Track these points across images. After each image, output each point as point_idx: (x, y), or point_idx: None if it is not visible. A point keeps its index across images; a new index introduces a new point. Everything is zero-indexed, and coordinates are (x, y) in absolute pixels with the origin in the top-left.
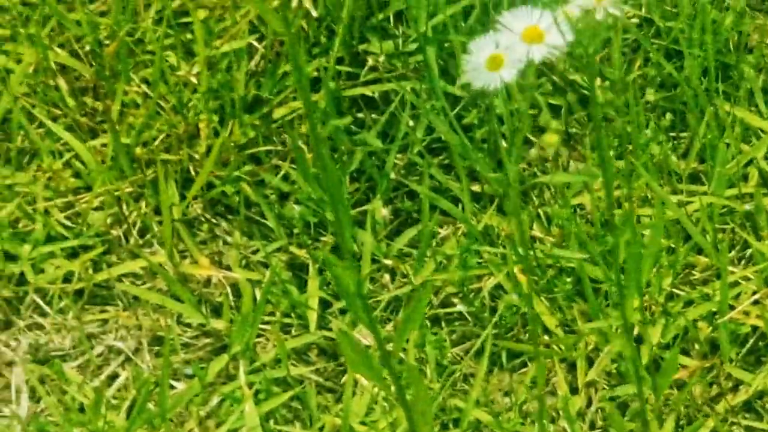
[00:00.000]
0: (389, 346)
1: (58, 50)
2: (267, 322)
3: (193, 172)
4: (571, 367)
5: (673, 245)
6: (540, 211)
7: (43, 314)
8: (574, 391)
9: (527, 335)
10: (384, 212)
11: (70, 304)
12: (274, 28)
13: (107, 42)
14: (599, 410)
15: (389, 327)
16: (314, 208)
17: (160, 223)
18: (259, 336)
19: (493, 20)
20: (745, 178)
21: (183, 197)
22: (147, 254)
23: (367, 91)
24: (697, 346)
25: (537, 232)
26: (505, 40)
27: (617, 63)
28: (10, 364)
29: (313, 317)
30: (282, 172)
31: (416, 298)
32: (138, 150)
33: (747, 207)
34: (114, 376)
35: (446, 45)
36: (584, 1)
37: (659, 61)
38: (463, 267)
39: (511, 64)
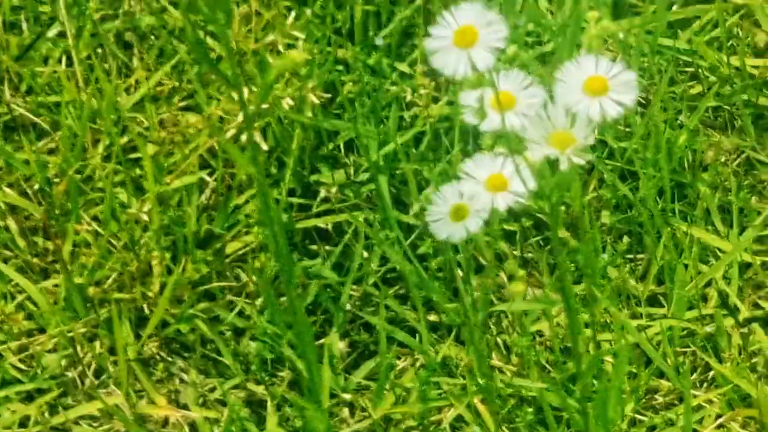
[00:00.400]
0: None
1: (7, 190)
2: None
3: (147, 311)
4: None
5: (634, 370)
6: (499, 339)
7: None
8: None
9: None
10: (341, 345)
11: None
12: (243, 168)
13: (56, 180)
14: None
15: None
16: (270, 343)
17: (115, 363)
18: None
19: (456, 167)
20: (705, 299)
21: (138, 336)
22: (103, 395)
23: (320, 222)
24: None
25: (497, 361)
26: (468, 189)
27: (576, 192)
28: None
29: None
30: (237, 308)
31: None
32: (91, 290)
33: (708, 329)
34: None
35: (398, 173)
36: (548, 150)
37: (614, 183)
38: (422, 399)
39: (476, 214)
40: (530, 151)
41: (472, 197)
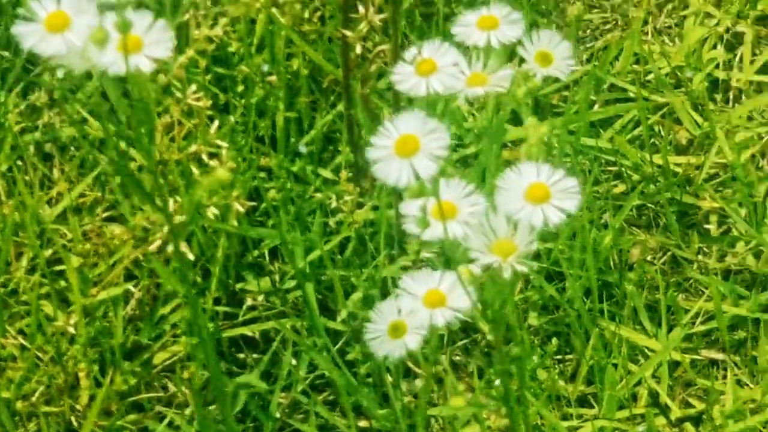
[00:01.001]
0: None
1: None
2: None
3: (76, 424)
4: None
5: None
6: None
7: None
8: None
9: None
10: None
11: None
12: (172, 287)
13: None
14: None
15: None
16: None
17: None
18: None
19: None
20: (635, 398)
21: None
22: None
23: (247, 331)
24: None
25: None
26: (406, 305)
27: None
28: None
29: None
30: (166, 419)
31: None
32: (18, 404)
33: (639, 429)
34: None
35: (324, 279)
36: (489, 258)
37: (540, 284)
38: None
39: (415, 331)
40: (473, 259)
41: (410, 314)
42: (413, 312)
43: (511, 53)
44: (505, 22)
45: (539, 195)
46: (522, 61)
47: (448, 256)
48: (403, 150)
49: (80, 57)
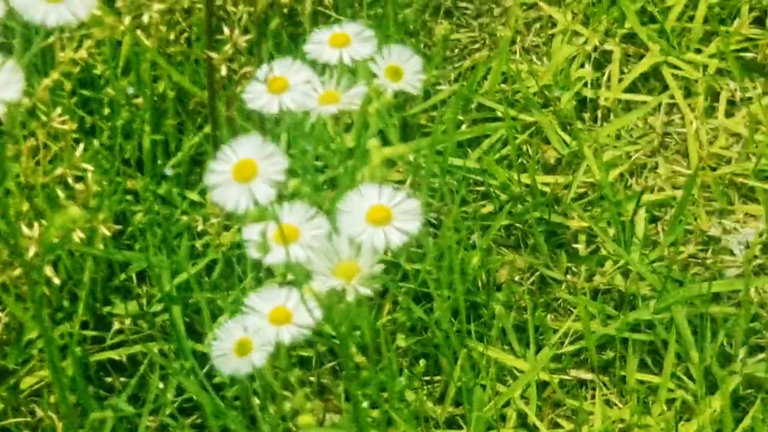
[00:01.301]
0: None
1: None
2: None
3: None
4: None
5: None
6: None
7: None
8: None
9: None
10: None
11: None
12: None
13: None
14: None
15: None
16: None
17: None
18: None
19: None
20: (504, 419)
21: None
22: None
23: (115, 355)
24: None
25: None
26: (252, 323)
27: (367, 319)
28: None
29: None
30: None
31: None
32: None
33: None
34: None
35: (191, 302)
36: (334, 281)
37: (408, 306)
38: None
39: (261, 348)
40: (316, 282)
41: (256, 331)
42: (259, 330)
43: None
44: (357, 40)
45: (381, 217)
46: (374, 76)
47: (291, 279)
48: (241, 175)
49: None
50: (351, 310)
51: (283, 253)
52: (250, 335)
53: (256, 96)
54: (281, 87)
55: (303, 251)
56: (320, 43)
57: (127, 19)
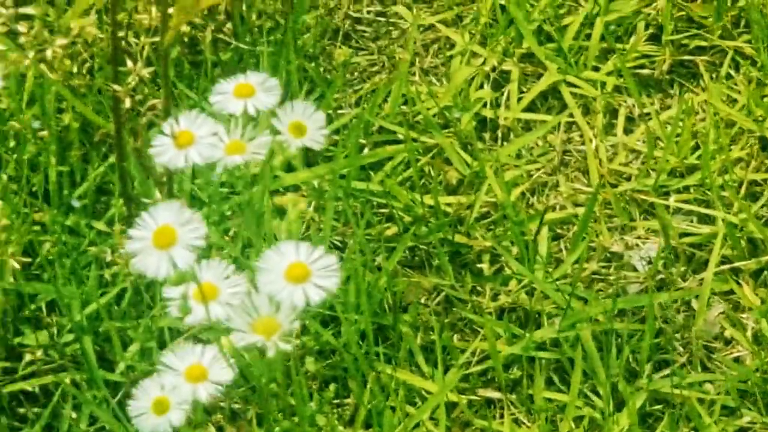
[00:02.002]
0: None
1: None
2: None
3: None
4: None
5: None
6: None
7: None
8: None
9: None
10: None
11: None
12: None
13: None
14: None
15: None
16: None
17: None
18: None
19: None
20: None
21: None
22: None
23: (27, 385)
24: None
25: None
26: (169, 381)
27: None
28: None
29: None
30: None
31: None
32: None
33: None
34: None
35: (101, 331)
36: (254, 337)
37: (316, 330)
38: None
39: (178, 406)
40: (236, 339)
41: (173, 389)
42: (176, 388)
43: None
44: (261, 90)
45: (299, 274)
46: (277, 131)
47: (209, 336)
48: (161, 242)
49: None
50: (272, 365)
51: (203, 312)
52: (167, 394)
53: (163, 150)
54: (187, 141)
55: (222, 309)
56: (225, 93)
57: (30, 54)
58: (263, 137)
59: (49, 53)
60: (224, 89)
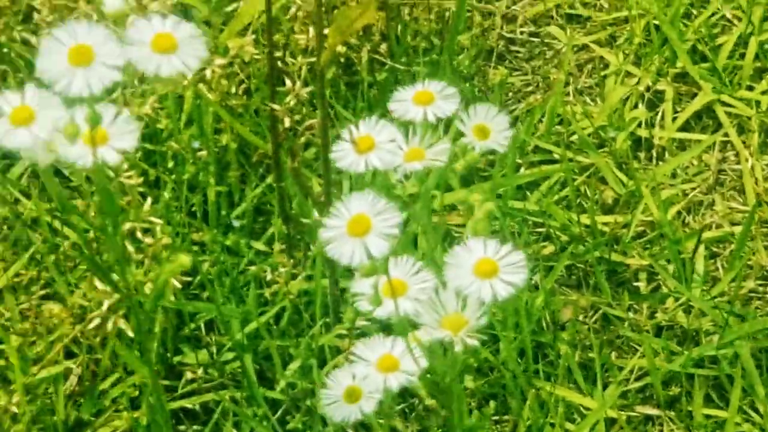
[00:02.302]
0: None
1: None
2: None
3: None
4: None
5: None
6: None
7: None
8: None
9: None
10: None
11: None
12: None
13: None
14: None
15: None
16: None
17: None
18: None
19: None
20: None
21: None
22: None
23: (187, 403)
24: None
25: None
26: (360, 371)
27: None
28: None
29: None
30: None
31: None
32: None
33: None
34: None
35: (261, 350)
36: (441, 333)
37: (475, 348)
38: None
39: (369, 395)
40: (424, 334)
41: (364, 379)
42: (367, 377)
43: (446, 127)
44: (440, 97)
45: (488, 270)
46: (459, 134)
47: (397, 331)
48: (356, 230)
49: (45, 150)
50: (457, 360)
51: (391, 306)
52: (359, 383)
53: (343, 155)
54: (367, 146)
55: (411, 304)
56: (404, 101)
57: (190, 74)
58: (442, 144)
59: (208, 73)
60: (403, 97)
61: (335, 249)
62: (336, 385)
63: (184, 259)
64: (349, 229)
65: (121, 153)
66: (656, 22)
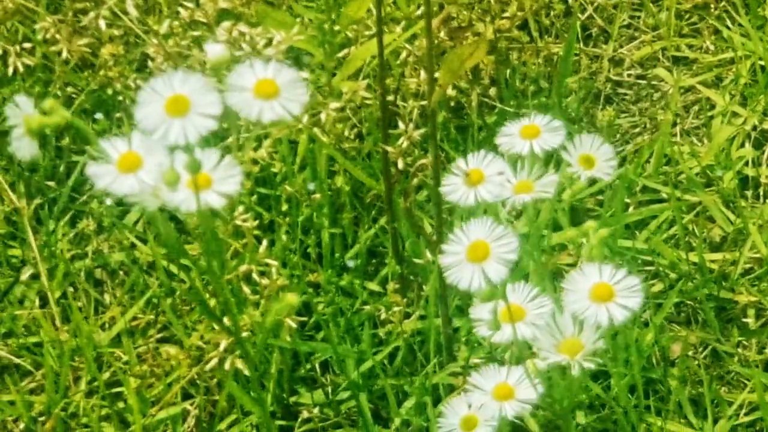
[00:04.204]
0: None
1: None
2: None
3: None
4: None
5: None
6: None
7: None
8: None
9: None
10: None
11: None
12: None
13: (42, 419)
14: None
15: None
16: None
17: None
18: None
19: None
20: None
21: None
22: None
23: None
24: None
25: None
26: (476, 400)
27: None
28: None
29: None
30: None
31: None
32: None
33: None
34: None
35: (375, 389)
36: (558, 357)
37: (586, 383)
38: None
39: (485, 423)
40: (541, 359)
41: (480, 407)
42: (484, 406)
43: (550, 159)
44: (546, 130)
45: (604, 294)
46: (565, 165)
47: (516, 356)
48: (475, 256)
49: (152, 195)
50: (574, 384)
51: (509, 331)
52: (475, 412)
53: (454, 189)
54: (477, 179)
55: (528, 329)
56: (511, 135)
57: (305, 118)
58: (551, 176)
59: (323, 116)
60: (510, 131)
61: (454, 275)
62: (452, 414)
63: (292, 299)
64: (468, 255)
65: (224, 197)
66: (762, 63)
